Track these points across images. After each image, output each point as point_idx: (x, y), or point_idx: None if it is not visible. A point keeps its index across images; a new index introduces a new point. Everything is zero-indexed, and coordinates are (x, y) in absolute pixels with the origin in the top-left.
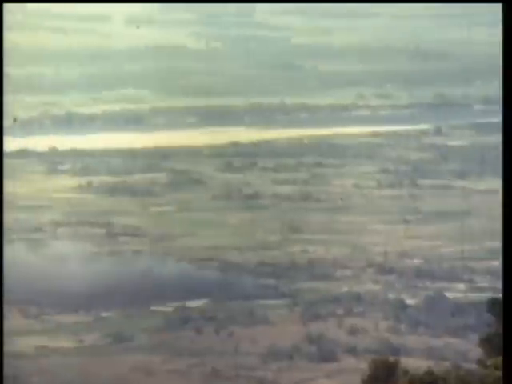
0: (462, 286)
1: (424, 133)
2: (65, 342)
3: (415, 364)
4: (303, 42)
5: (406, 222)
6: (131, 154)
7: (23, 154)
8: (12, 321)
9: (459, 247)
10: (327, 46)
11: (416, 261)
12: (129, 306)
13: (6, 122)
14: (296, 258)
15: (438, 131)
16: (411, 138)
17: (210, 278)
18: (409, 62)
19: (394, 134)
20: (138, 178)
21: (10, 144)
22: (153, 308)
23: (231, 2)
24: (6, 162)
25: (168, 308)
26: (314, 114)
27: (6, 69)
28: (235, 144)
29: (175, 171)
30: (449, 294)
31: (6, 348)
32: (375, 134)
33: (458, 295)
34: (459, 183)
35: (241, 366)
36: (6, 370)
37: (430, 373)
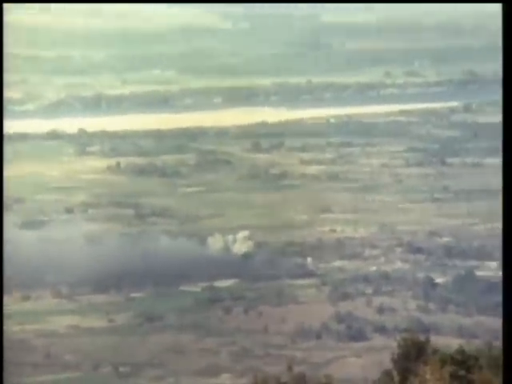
0: (493, 264)
1: (453, 110)
2: (96, 322)
3: (445, 343)
4: (330, 20)
5: (435, 200)
6: (159, 135)
7: (53, 135)
8: (44, 301)
9: (489, 225)
10: (354, 24)
11: (445, 239)
12: (158, 286)
13: (34, 105)
14: (324, 237)
15: (467, 108)
16: (440, 115)
17: (237, 258)
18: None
19: (423, 112)
20: (165, 158)
21: (41, 126)
22: (182, 288)
23: None
24: (37, 143)
25: (197, 288)
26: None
27: (36, 51)
28: (262, 124)
29: (203, 152)
30: (479, 273)
31: (39, 326)
32: (403, 113)
33: (489, 273)
34: (489, 161)
35: (270, 345)
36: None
37: (460, 351)
